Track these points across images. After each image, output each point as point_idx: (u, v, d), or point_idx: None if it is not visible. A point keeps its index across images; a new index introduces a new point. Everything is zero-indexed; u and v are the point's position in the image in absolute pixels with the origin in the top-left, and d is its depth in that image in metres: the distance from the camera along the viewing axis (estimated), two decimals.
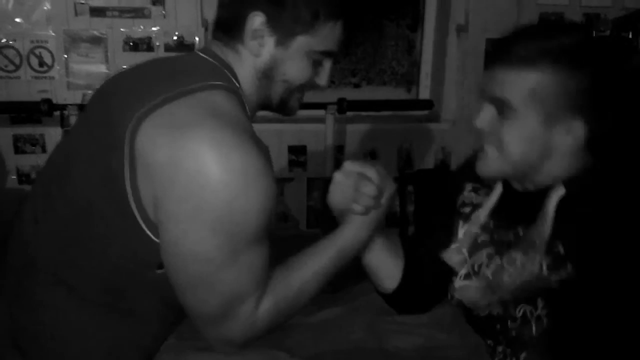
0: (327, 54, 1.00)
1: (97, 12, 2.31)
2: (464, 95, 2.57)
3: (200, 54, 1.01)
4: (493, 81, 0.92)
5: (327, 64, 1.02)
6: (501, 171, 0.98)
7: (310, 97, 2.87)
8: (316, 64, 1.00)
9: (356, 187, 0.99)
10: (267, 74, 0.98)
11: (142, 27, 2.34)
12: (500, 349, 1.03)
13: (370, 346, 1.04)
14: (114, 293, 0.95)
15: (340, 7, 0.97)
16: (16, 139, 2.38)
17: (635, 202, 0.89)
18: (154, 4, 2.33)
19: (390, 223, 2.65)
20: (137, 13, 2.33)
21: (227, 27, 0.99)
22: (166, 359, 0.97)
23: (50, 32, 2.30)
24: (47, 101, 2.21)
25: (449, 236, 1.12)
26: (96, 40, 2.33)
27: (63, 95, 2.33)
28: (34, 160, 2.39)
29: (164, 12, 2.34)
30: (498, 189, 1.05)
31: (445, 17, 2.62)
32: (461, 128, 2.56)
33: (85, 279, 0.95)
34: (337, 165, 2.48)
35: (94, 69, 2.35)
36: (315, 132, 2.46)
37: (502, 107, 0.91)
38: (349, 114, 2.42)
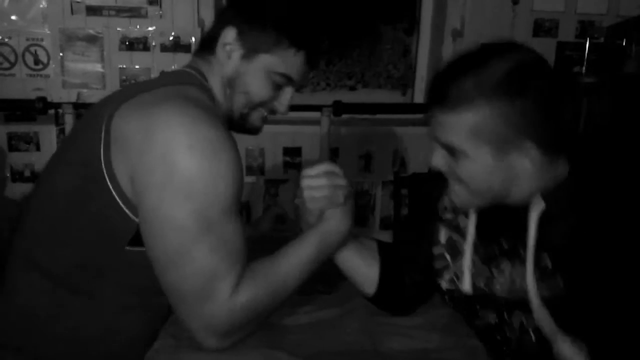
0: (287, 77, 1.08)
1: (93, 10, 2.31)
2: None
3: (183, 68, 1.12)
4: (435, 125, 0.93)
5: (288, 90, 1.11)
6: (473, 203, 1.00)
7: (306, 99, 2.88)
8: (277, 87, 1.09)
9: (330, 184, 1.02)
10: (230, 84, 1.07)
11: (138, 26, 2.34)
12: None
13: (366, 348, 1.04)
14: (85, 276, 0.99)
15: (305, 39, 1.07)
16: (10, 136, 2.37)
17: (613, 208, 0.90)
18: (150, 3, 2.33)
19: (384, 226, 2.66)
20: (134, 12, 2.33)
21: (205, 42, 1.11)
22: (162, 359, 0.97)
23: (46, 30, 2.30)
24: (42, 99, 2.20)
25: (430, 241, 1.14)
26: (92, 39, 2.33)
27: (58, 94, 2.33)
28: (27, 159, 2.38)
29: (160, 12, 2.34)
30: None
31: (441, 21, 2.63)
32: None
33: (58, 260, 0.99)
34: None
35: (89, 67, 2.35)
36: (311, 134, 2.47)
37: (451, 150, 0.92)
38: (345, 116, 2.42)
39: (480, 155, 0.90)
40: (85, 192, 0.96)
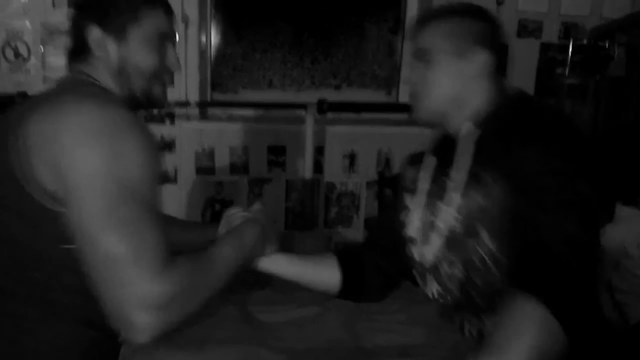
0: (163, 36, 1.15)
1: None
2: None
3: (69, 75, 1.18)
4: (415, 41, 1.17)
5: (170, 47, 1.18)
6: (432, 109, 1.16)
7: (290, 97, 2.85)
8: (162, 50, 1.15)
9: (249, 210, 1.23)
10: (121, 71, 1.13)
11: None
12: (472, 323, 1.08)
13: (348, 344, 1.05)
14: (30, 286, 1.03)
15: None
16: None
17: (540, 123, 1.04)
18: None
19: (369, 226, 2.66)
20: None
21: (76, 51, 1.15)
22: (139, 358, 0.95)
23: (27, 24, 2.26)
24: (23, 94, 2.17)
25: (400, 211, 1.26)
26: None
27: (39, 89, 2.28)
28: None
29: None
30: (431, 159, 1.23)
31: None
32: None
33: (8, 276, 1.03)
34: (317, 166, 2.49)
35: None
36: (295, 132, 2.46)
37: (423, 55, 1.14)
38: (329, 115, 2.41)
39: (444, 54, 1.12)
40: (11, 203, 1.00)
